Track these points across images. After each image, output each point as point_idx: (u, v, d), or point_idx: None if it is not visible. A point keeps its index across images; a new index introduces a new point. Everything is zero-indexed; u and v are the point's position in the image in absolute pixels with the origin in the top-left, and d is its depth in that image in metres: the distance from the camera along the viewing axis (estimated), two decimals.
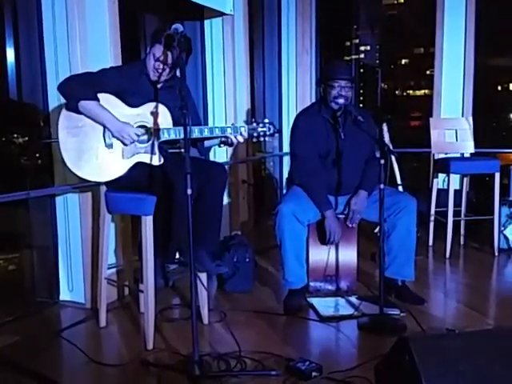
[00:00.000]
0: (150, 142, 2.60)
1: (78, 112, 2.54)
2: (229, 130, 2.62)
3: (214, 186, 2.64)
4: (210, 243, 2.68)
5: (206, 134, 2.61)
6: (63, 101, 2.63)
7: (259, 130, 2.65)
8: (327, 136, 3.11)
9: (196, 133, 2.57)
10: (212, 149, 4.10)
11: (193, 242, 2.23)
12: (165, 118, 2.59)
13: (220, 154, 4.49)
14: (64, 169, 2.71)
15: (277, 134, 2.73)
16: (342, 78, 3.00)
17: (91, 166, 2.58)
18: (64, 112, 2.59)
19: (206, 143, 2.78)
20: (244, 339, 2.55)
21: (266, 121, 2.68)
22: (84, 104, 2.52)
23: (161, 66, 2.61)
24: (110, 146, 2.58)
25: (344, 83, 3.00)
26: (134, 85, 2.63)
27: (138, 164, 2.60)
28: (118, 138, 2.56)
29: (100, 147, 2.58)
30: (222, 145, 2.70)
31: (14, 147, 3.28)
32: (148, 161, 2.60)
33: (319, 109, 3.15)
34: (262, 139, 2.69)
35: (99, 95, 2.55)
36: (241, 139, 2.63)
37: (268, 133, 2.67)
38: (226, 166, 4.44)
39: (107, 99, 2.57)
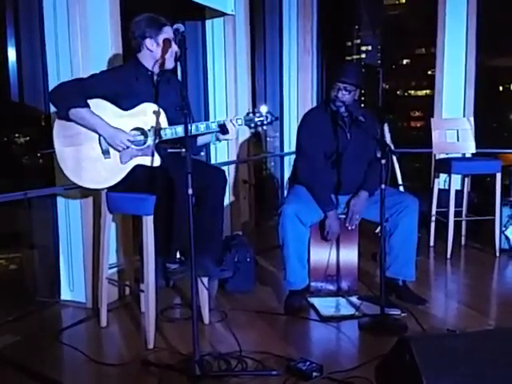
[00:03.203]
0: (147, 144, 2.59)
1: (69, 120, 2.52)
2: (213, 125, 2.58)
3: (215, 191, 2.62)
4: (213, 249, 2.67)
5: (203, 130, 2.59)
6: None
7: (256, 120, 2.61)
8: (334, 135, 3.11)
9: (193, 130, 2.56)
10: (213, 147, 4.09)
11: (196, 249, 2.23)
12: (160, 118, 2.58)
13: (221, 154, 4.49)
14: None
15: (278, 131, 2.72)
16: (343, 82, 3.00)
17: (90, 174, 2.57)
18: (57, 121, 2.57)
19: (199, 141, 2.77)
20: (245, 339, 2.54)
21: (262, 109, 2.65)
22: (74, 112, 2.50)
23: (175, 48, 2.56)
24: (106, 152, 2.57)
25: (342, 86, 3.00)
26: (129, 86, 2.60)
27: (137, 167, 2.59)
28: (110, 145, 2.55)
29: (97, 154, 2.57)
30: (218, 140, 2.68)
31: (15, 147, 3.29)
32: (147, 163, 2.58)
33: (326, 108, 3.15)
34: (260, 129, 2.66)
35: (90, 101, 2.53)
36: (233, 128, 2.59)
37: (266, 121, 2.62)
38: (227, 166, 4.45)
39: (98, 105, 2.55)
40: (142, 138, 2.59)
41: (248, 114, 2.63)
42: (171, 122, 2.58)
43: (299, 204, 2.99)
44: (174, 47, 2.59)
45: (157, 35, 2.60)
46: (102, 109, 2.55)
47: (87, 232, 3.07)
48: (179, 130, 2.53)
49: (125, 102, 2.58)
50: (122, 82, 2.59)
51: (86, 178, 2.58)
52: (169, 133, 2.56)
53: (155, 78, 2.68)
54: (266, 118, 2.62)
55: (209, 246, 2.61)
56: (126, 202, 2.63)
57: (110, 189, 2.65)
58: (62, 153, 2.57)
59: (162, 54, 2.61)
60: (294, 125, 5.55)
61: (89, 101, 2.53)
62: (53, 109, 3.01)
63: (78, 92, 2.51)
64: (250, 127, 2.64)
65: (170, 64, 2.65)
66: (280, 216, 2.97)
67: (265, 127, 2.66)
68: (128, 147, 2.55)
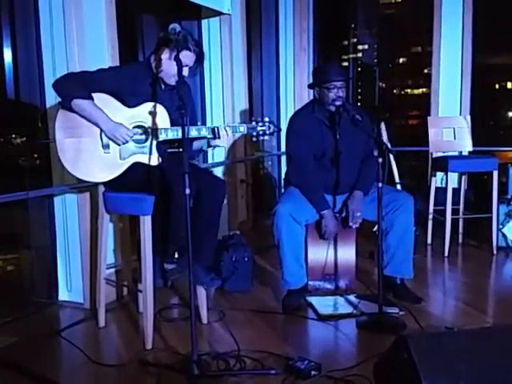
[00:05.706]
0: (148, 142, 2.59)
1: (72, 110, 2.52)
2: (204, 130, 2.58)
3: (213, 200, 2.62)
4: (206, 257, 2.67)
5: (194, 134, 2.59)
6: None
7: (258, 128, 2.65)
8: (322, 136, 3.11)
9: (194, 132, 2.57)
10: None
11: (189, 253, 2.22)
12: (162, 118, 2.59)
13: (218, 154, 4.49)
14: (62, 169, 2.71)
15: (276, 133, 2.73)
16: (338, 80, 3.02)
17: (88, 167, 2.57)
18: (60, 112, 2.57)
19: (194, 146, 2.76)
20: (243, 338, 2.55)
21: (266, 119, 2.67)
22: (77, 102, 2.50)
23: (185, 71, 2.55)
24: (106, 146, 2.57)
25: (340, 84, 3.02)
26: (135, 86, 2.60)
27: (136, 164, 2.59)
28: (110, 138, 2.55)
29: (97, 148, 2.57)
30: (209, 146, 2.68)
31: (11, 147, 3.28)
32: (146, 161, 2.59)
33: (313, 109, 3.15)
34: (261, 138, 2.68)
35: (94, 95, 2.53)
36: (225, 135, 2.59)
37: (268, 132, 2.66)
38: (224, 167, 4.45)
39: (103, 99, 2.55)
40: (143, 136, 2.60)
41: (251, 121, 2.64)
42: (175, 125, 2.58)
43: (293, 203, 2.99)
44: (184, 72, 2.52)
45: (176, 51, 2.46)
46: (105, 103, 2.55)
47: (84, 232, 3.06)
48: (180, 131, 2.53)
49: (129, 100, 2.58)
50: (128, 81, 2.59)
51: (84, 171, 2.58)
52: (170, 133, 2.56)
53: (170, 84, 2.67)
54: (269, 127, 2.65)
55: (201, 253, 2.60)
56: (124, 202, 2.63)
57: (107, 184, 2.65)
58: (62, 144, 2.56)
59: (167, 69, 2.58)
60: None
61: (93, 94, 2.53)
62: (49, 108, 3.01)
63: (83, 84, 2.50)
64: (252, 136, 2.66)
65: (169, 81, 2.64)
66: (274, 216, 2.97)
67: (266, 137, 2.68)
68: (127, 142, 2.56)
